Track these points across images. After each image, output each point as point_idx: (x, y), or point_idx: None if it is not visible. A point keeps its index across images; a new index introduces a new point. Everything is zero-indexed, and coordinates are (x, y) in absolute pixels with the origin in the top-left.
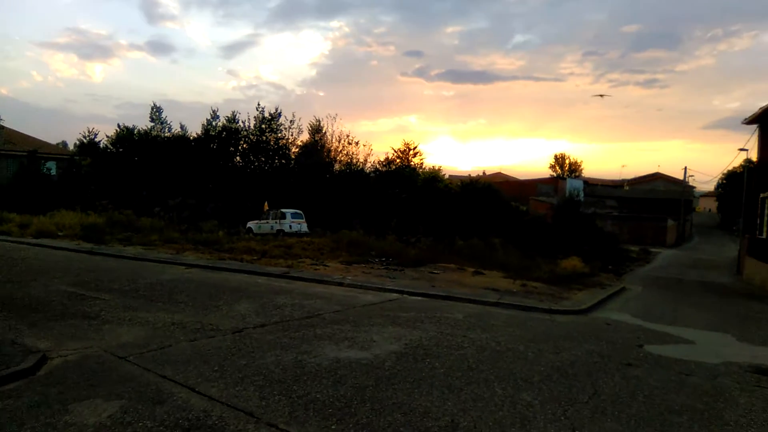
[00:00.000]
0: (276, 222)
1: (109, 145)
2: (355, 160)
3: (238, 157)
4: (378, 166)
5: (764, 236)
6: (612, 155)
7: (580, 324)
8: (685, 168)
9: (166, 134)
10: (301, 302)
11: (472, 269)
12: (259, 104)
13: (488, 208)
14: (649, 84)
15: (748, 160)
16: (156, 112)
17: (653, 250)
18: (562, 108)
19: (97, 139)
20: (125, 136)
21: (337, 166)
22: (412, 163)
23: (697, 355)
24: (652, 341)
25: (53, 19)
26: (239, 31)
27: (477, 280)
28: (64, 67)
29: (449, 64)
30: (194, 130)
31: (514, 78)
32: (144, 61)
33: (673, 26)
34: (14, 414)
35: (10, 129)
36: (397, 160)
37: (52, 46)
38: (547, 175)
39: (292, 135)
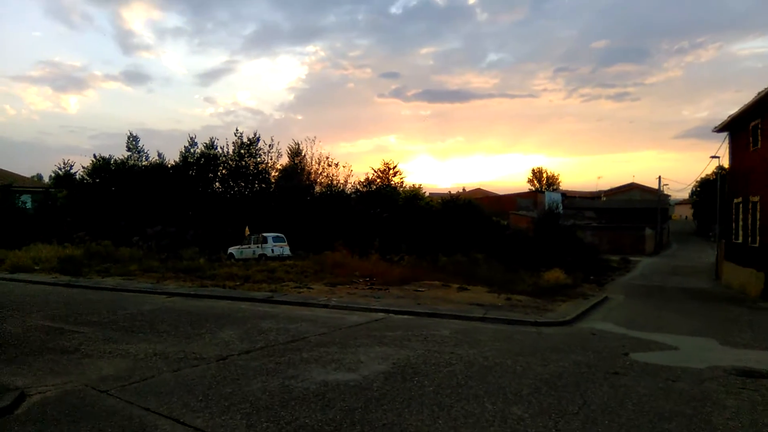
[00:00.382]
0: (258, 246)
1: (86, 176)
2: (335, 182)
3: (217, 183)
4: (359, 187)
5: (740, 241)
6: (588, 167)
7: (566, 335)
8: (660, 177)
9: (143, 163)
10: (286, 326)
11: (457, 285)
12: (237, 130)
13: (470, 223)
14: (620, 97)
15: (720, 167)
16: (132, 142)
17: (633, 258)
18: (538, 123)
19: (72, 171)
20: (101, 166)
21: (317, 189)
22: (392, 182)
23: (682, 360)
24: (637, 349)
25: (26, 52)
26: (215, 58)
27: (462, 296)
28: (38, 99)
29: (425, 84)
30: (172, 157)
31: (490, 96)
32: (119, 91)
33: (640, 41)
34: None
35: None
36: (378, 180)
37: (26, 80)
38: (526, 189)
39: (271, 159)
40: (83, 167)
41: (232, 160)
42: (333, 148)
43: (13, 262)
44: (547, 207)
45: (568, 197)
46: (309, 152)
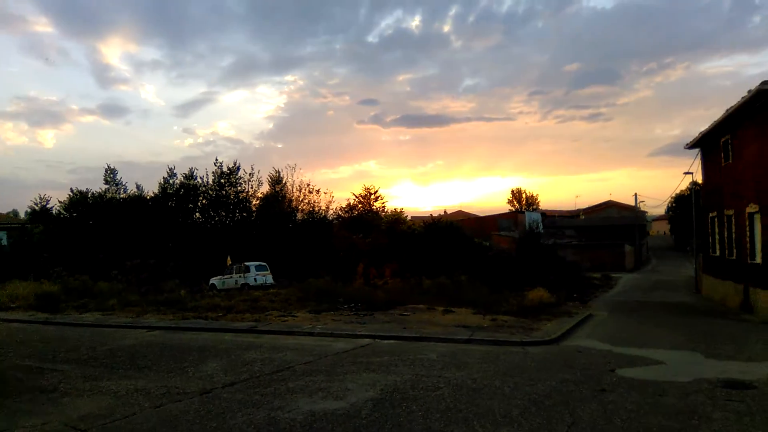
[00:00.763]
0: (240, 276)
1: (62, 211)
2: (317, 208)
3: (197, 213)
4: (340, 213)
5: (717, 254)
6: (566, 187)
7: (552, 354)
8: (636, 194)
9: (121, 196)
10: (271, 356)
11: (442, 308)
12: (217, 159)
13: (452, 246)
14: (593, 118)
15: (694, 183)
16: (110, 174)
17: (614, 275)
18: (515, 145)
19: (49, 206)
20: (79, 200)
21: (299, 216)
22: (374, 207)
23: (668, 374)
24: (623, 365)
25: (1, 88)
26: (194, 90)
27: (448, 319)
28: (13, 135)
29: (404, 110)
30: (151, 189)
31: (467, 120)
32: (97, 124)
33: (610, 63)
34: None
35: None
36: (359, 206)
37: (1, 116)
38: (507, 210)
39: (252, 187)
40: (60, 201)
41: (212, 189)
42: (314, 175)
43: None
44: (527, 227)
45: (548, 216)
46: (290, 180)
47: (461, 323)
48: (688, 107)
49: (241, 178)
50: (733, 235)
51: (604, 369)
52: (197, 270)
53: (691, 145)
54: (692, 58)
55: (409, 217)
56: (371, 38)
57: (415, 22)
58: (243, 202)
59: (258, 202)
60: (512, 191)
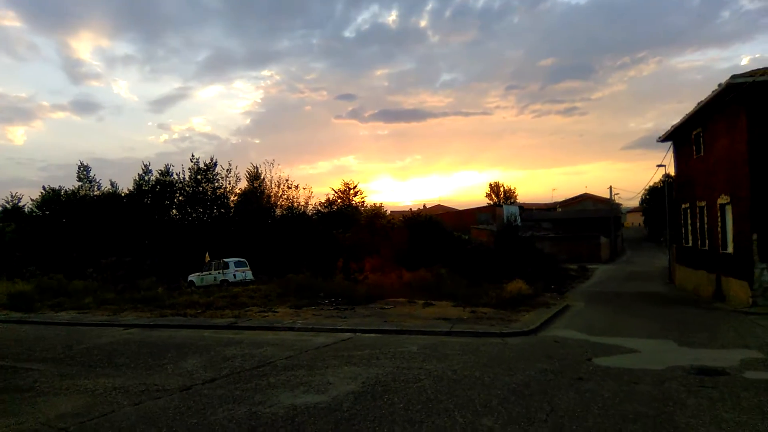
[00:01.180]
0: (219, 272)
1: (35, 209)
2: (296, 204)
3: (174, 210)
4: (320, 208)
5: (690, 244)
6: (542, 180)
7: (531, 344)
8: (611, 187)
9: (95, 193)
10: (251, 351)
11: (422, 301)
12: (193, 155)
13: (432, 239)
14: (568, 112)
15: (666, 175)
16: (83, 171)
17: (590, 266)
18: (492, 139)
19: (21, 204)
20: (51, 198)
21: (278, 211)
22: (353, 202)
23: (643, 362)
24: (599, 354)
25: None
26: (168, 85)
27: (428, 312)
28: None
29: (381, 105)
30: (126, 186)
31: (445, 114)
32: (69, 120)
33: (584, 58)
34: None
35: None
36: (338, 201)
37: None
38: (485, 204)
39: (229, 184)
40: (32, 199)
41: (188, 186)
42: (292, 170)
43: None
44: (505, 220)
45: (526, 210)
46: (268, 175)
47: (441, 316)
48: (660, 101)
49: (218, 174)
50: (706, 226)
51: (581, 358)
52: (175, 267)
53: (664, 139)
54: (664, 52)
55: (388, 212)
56: (348, 33)
57: (391, 17)
58: (221, 198)
59: (236, 198)
60: (490, 185)
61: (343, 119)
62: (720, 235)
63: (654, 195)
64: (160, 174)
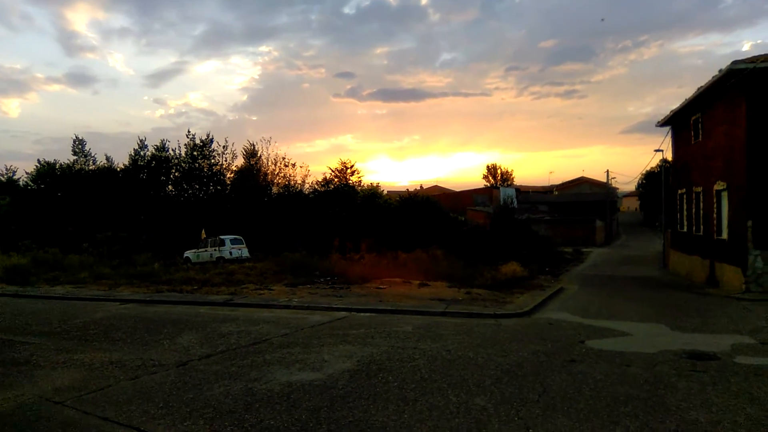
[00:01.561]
0: (215, 249)
1: (30, 182)
2: (292, 182)
3: (170, 186)
4: (316, 187)
5: (685, 230)
6: (540, 163)
7: (525, 326)
8: (608, 171)
9: (90, 167)
10: (247, 329)
11: (418, 281)
12: (189, 131)
13: (428, 220)
14: (568, 95)
15: (663, 160)
16: (79, 145)
17: (585, 250)
18: (491, 121)
19: (15, 177)
20: (46, 171)
21: (274, 189)
22: (350, 181)
23: (635, 346)
24: (592, 336)
25: None
26: (164, 59)
27: (423, 292)
28: None
29: (380, 84)
30: (121, 161)
31: (444, 95)
32: (63, 93)
33: (586, 40)
34: None
35: None
36: (335, 180)
37: None
38: (482, 185)
39: (226, 160)
40: (27, 173)
41: (184, 162)
42: (289, 148)
43: None
44: (502, 202)
45: (522, 192)
46: (265, 153)
47: (436, 296)
48: (660, 85)
49: (214, 150)
50: (701, 212)
51: (574, 340)
52: (171, 243)
53: (663, 123)
54: (666, 36)
55: (385, 192)
56: (348, 9)
57: None
58: (217, 175)
59: (232, 175)
60: (487, 167)
61: (341, 98)
62: (715, 221)
63: (651, 180)
64: (156, 149)
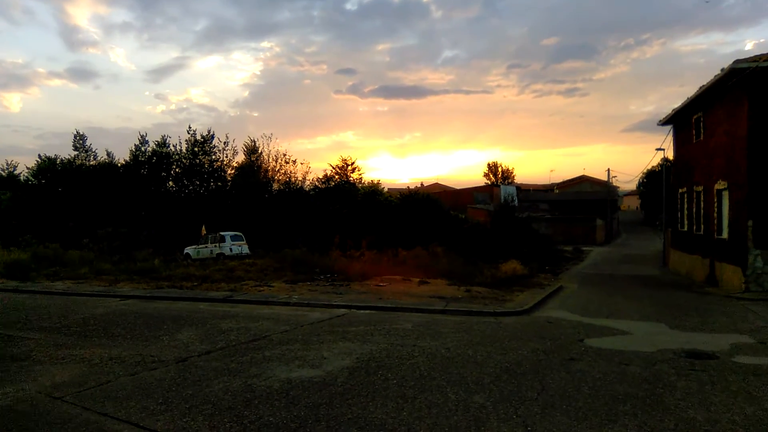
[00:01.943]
0: (215, 246)
1: (30, 177)
2: (293, 179)
3: (170, 182)
4: (317, 184)
5: (685, 229)
6: (541, 161)
7: (524, 324)
8: (609, 169)
9: (91, 162)
10: (247, 325)
11: (418, 279)
12: (190, 127)
13: (429, 218)
14: (570, 93)
15: (665, 159)
16: (79, 140)
17: (585, 248)
18: (492, 118)
19: (16, 172)
20: (47, 166)
21: (275, 186)
22: (351, 178)
23: (634, 344)
24: (591, 335)
25: None
26: (166, 54)
27: (423, 289)
28: None
29: (382, 81)
30: (122, 156)
31: (445, 92)
32: (65, 88)
33: (588, 38)
34: None
35: None
36: (336, 177)
37: None
38: (482, 183)
39: (227, 157)
40: (27, 168)
41: (185, 158)
42: (290, 145)
43: None
44: (503, 200)
45: (523, 190)
46: (266, 149)
47: (436, 294)
48: (662, 84)
49: (215, 147)
50: (702, 211)
51: (573, 339)
52: (171, 239)
53: (664, 122)
54: (669, 34)
55: (386, 189)
56: (350, 5)
57: None
58: (218, 171)
59: (233, 171)
60: (488, 165)
61: (342, 94)
62: (716, 221)
63: (651, 179)
64: (156, 145)
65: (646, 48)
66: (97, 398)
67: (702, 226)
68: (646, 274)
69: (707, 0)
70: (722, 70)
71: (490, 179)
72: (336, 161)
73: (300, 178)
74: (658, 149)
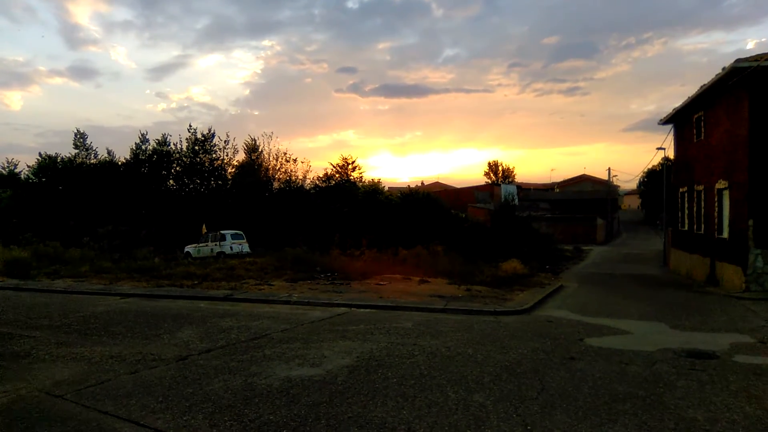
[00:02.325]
0: (216, 244)
1: (31, 176)
2: (294, 178)
3: (171, 181)
4: (318, 182)
5: (686, 228)
6: (541, 160)
7: (524, 323)
8: (609, 169)
9: (92, 161)
10: (247, 324)
11: (418, 278)
12: (191, 125)
13: (429, 217)
14: (571, 92)
15: (666, 158)
16: (80, 139)
17: (585, 248)
18: (493, 117)
19: (17, 170)
20: (48, 165)
21: (275, 185)
22: (351, 177)
23: (635, 344)
24: (591, 334)
25: None
26: (167, 52)
27: (423, 288)
28: None
29: (383, 79)
30: (123, 155)
31: (446, 91)
32: (66, 86)
33: (589, 36)
34: None
35: None
36: (337, 175)
37: None
38: (483, 182)
39: (227, 155)
40: (28, 166)
41: (186, 156)
42: (291, 143)
43: None
44: (503, 199)
45: (524, 189)
46: (266, 148)
47: (436, 293)
48: (663, 83)
49: (215, 145)
50: (702, 211)
51: (573, 338)
52: (171, 238)
53: (665, 121)
54: (670, 33)
55: (386, 188)
56: (351, 4)
57: None
58: (218, 170)
59: (234, 170)
60: (489, 164)
61: (343, 93)
62: (716, 220)
63: (652, 178)
64: (157, 143)
65: (648, 47)
66: (97, 396)
67: (702, 226)
68: (647, 274)
69: None
70: (723, 69)
71: (490, 178)
72: (336, 160)
73: (300, 177)
74: (658, 148)
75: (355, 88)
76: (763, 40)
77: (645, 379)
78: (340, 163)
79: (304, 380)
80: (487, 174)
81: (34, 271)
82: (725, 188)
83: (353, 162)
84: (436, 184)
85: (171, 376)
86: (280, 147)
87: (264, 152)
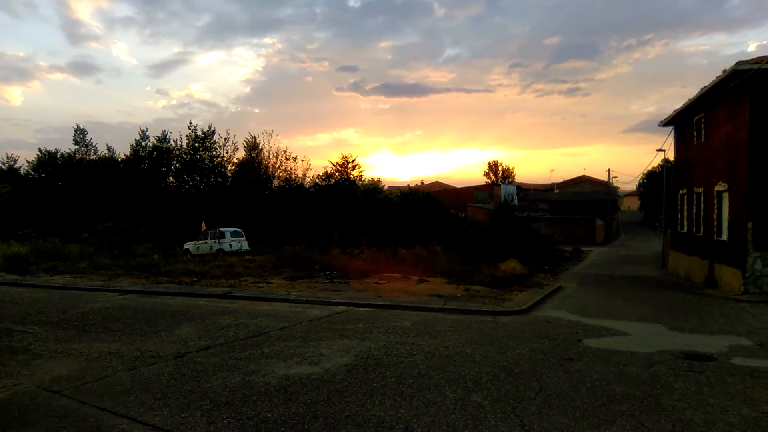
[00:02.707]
0: (215, 242)
1: (31, 171)
2: (293, 176)
3: (171, 177)
4: (317, 181)
5: (685, 230)
6: (541, 160)
7: (523, 323)
8: (609, 170)
9: (91, 157)
10: (246, 321)
11: (417, 277)
12: (191, 123)
13: (429, 216)
14: (571, 92)
15: (665, 160)
16: (80, 135)
17: (585, 248)
18: (493, 117)
19: (17, 166)
20: (47, 160)
21: (275, 182)
22: (351, 175)
23: (633, 345)
24: (590, 335)
25: None
26: (168, 49)
27: (422, 288)
28: None
29: (383, 78)
30: (123, 151)
31: (447, 90)
32: (66, 82)
33: (590, 37)
34: None
35: None
36: (337, 174)
37: None
38: (483, 182)
39: (227, 153)
40: (28, 162)
41: (186, 153)
42: (291, 141)
43: None
44: (503, 199)
45: (523, 190)
46: (266, 146)
47: (435, 292)
48: (664, 85)
49: (216, 142)
50: (702, 213)
51: (571, 339)
52: (171, 235)
53: (665, 123)
54: (671, 35)
55: (386, 187)
56: (353, 2)
57: None
58: (218, 167)
59: (233, 167)
60: (489, 164)
61: (344, 91)
62: (715, 222)
63: (652, 180)
64: (157, 140)
65: (649, 48)
66: (95, 393)
67: (702, 228)
68: (646, 275)
69: None
70: (724, 71)
71: (490, 178)
72: (336, 158)
73: (300, 175)
74: (658, 150)
75: (356, 87)
76: (764, 42)
77: (643, 381)
78: (340, 161)
79: (302, 378)
80: (486, 174)
81: (33, 267)
82: (725, 190)
83: (353, 161)
84: (436, 183)
85: (169, 373)
86: (280, 145)
87: (264, 150)
